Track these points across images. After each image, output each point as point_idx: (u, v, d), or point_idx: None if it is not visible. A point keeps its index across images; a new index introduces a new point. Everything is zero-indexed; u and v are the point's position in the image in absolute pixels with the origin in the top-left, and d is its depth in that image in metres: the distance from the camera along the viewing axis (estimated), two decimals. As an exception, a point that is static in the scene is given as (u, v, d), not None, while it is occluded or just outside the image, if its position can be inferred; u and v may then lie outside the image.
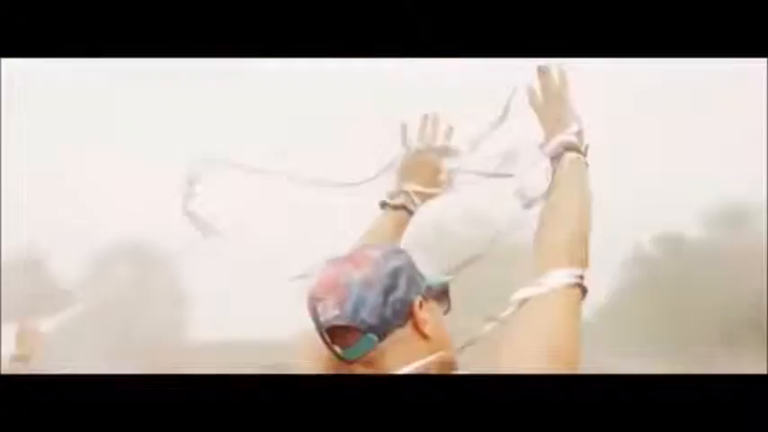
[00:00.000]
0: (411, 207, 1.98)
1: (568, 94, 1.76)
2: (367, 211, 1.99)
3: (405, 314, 1.48)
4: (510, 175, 1.85)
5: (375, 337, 1.45)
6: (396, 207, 1.97)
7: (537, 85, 1.77)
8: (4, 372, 2.86)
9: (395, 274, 1.49)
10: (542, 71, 1.76)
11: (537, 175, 1.76)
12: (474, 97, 1.90)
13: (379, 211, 2.00)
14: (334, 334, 1.47)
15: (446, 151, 2.02)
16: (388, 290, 1.48)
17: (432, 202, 2.02)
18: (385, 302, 1.47)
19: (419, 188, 1.99)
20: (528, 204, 1.76)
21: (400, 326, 1.47)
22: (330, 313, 1.47)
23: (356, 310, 1.46)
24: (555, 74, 1.76)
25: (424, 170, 2.01)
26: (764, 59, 1.83)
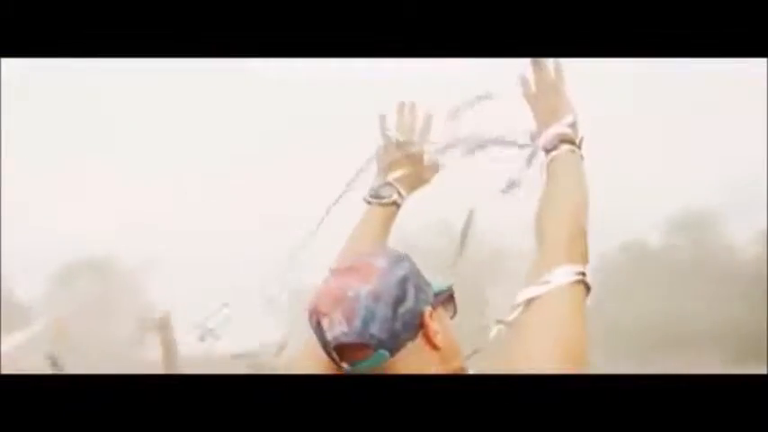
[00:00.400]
0: (398, 200, 1.88)
1: (564, 86, 1.73)
2: (349, 214, 1.92)
3: (415, 326, 1.42)
4: (503, 143, 1.78)
5: (387, 353, 1.40)
6: (382, 203, 1.87)
7: (531, 77, 1.75)
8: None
9: (402, 284, 1.43)
10: (537, 63, 1.73)
11: (526, 164, 1.74)
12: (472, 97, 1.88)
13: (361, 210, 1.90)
14: (341, 351, 1.41)
15: (427, 138, 1.93)
16: (397, 302, 1.41)
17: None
18: (395, 316, 1.40)
19: (404, 175, 1.89)
20: (508, 189, 1.73)
21: (411, 339, 1.41)
22: (337, 329, 1.40)
23: (365, 326, 1.39)
24: (550, 66, 1.74)
25: (407, 159, 1.91)
26: (764, 59, 1.83)
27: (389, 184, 1.88)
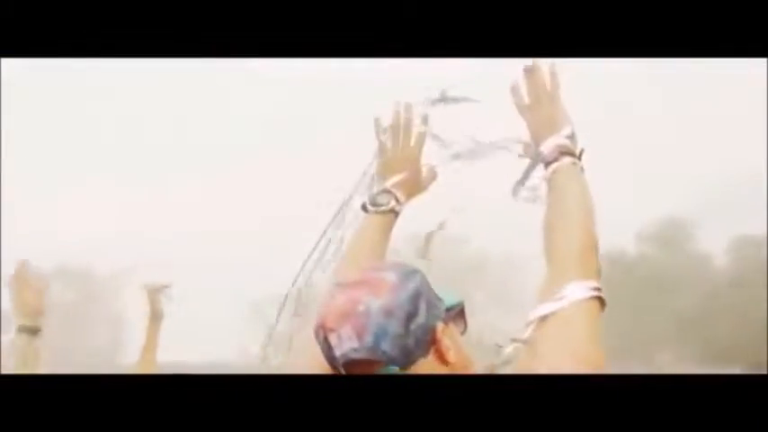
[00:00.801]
0: (396, 207, 1.81)
1: (560, 95, 1.68)
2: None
3: (427, 342, 1.37)
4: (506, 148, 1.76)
5: (397, 369, 1.35)
6: (380, 211, 1.80)
7: (524, 86, 1.70)
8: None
9: (414, 299, 1.37)
10: (530, 70, 1.68)
11: (524, 176, 1.72)
12: (472, 96, 1.87)
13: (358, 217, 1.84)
14: (349, 367, 1.36)
15: (423, 141, 1.85)
16: (409, 317, 1.36)
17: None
18: (407, 332, 1.35)
19: (401, 181, 1.81)
20: (533, 199, 1.69)
21: (423, 355, 1.37)
22: (346, 345, 1.35)
23: (377, 342, 1.34)
24: (545, 72, 1.68)
25: (403, 162, 1.84)
26: (764, 59, 1.83)
27: (387, 191, 1.82)
